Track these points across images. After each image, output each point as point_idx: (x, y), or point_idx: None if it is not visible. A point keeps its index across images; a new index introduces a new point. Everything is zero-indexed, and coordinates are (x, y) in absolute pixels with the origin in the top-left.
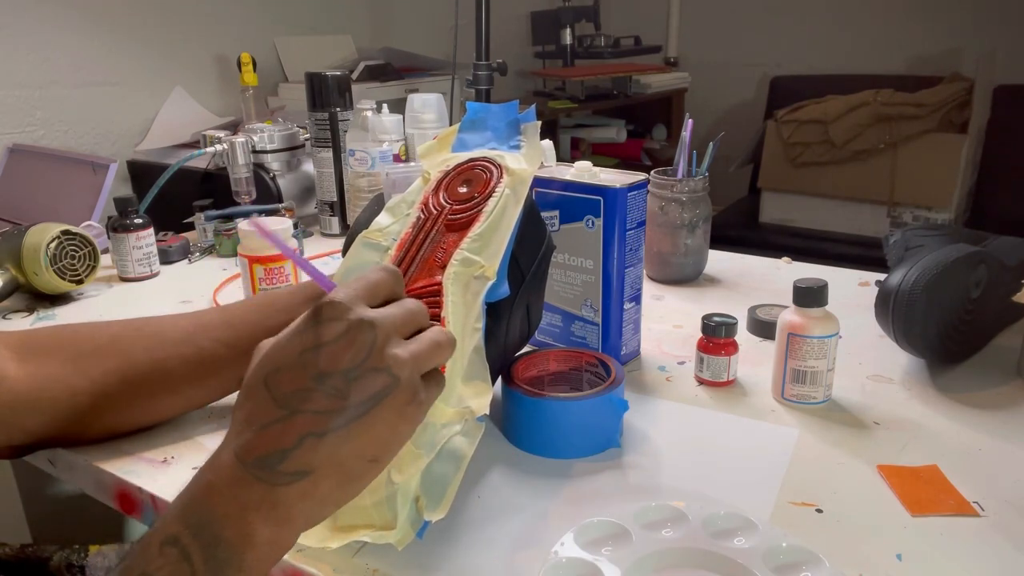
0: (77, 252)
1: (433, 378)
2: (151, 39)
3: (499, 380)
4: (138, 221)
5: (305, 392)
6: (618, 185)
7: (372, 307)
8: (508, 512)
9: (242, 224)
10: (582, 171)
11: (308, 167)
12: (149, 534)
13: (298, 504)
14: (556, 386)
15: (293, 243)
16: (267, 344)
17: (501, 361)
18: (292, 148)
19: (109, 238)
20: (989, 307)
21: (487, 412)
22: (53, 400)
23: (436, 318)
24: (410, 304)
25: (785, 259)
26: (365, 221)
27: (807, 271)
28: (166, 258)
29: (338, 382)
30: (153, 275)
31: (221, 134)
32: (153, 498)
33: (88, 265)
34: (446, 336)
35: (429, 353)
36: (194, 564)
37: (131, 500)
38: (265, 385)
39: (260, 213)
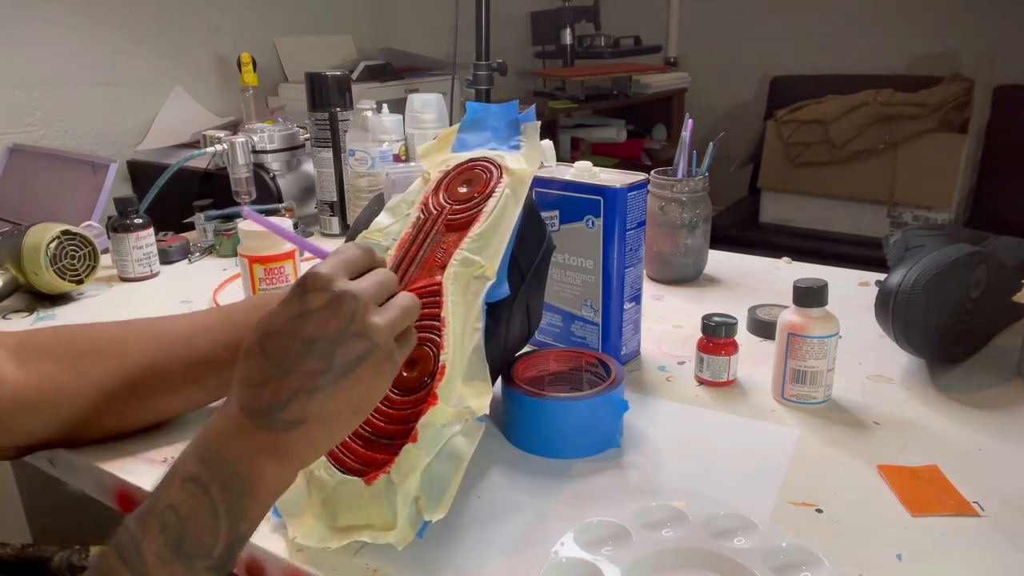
0: (77, 252)
1: (405, 338)
2: (151, 39)
3: (499, 380)
4: (138, 221)
5: (295, 355)
6: (618, 185)
7: (350, 279)
8: (508, 512)
9: (242, 224)
10: (582, 171)
11: (308, 167)
12: (169, 475)
13: (296, 446)
14: (556, 386)
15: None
16: (264, 314)
17: (501, 361)
18: (292, 148)
19: (109, 238)
20: (989, 307)
21: (487, 412)
22: (52, 401)
23: (436, 318)
24: (382, 275)
25: (785, 259)
26: (365, 221)
27: (807, 271)
28: (166, 258)
29: (324, 346)
30: (153, 275)
31: (221, 134)
32: None
33: (88, 265)
34: (413, 301)
35: (401, 318)
36: (213, 496)
37: (131, 500)
38: (261, 348)
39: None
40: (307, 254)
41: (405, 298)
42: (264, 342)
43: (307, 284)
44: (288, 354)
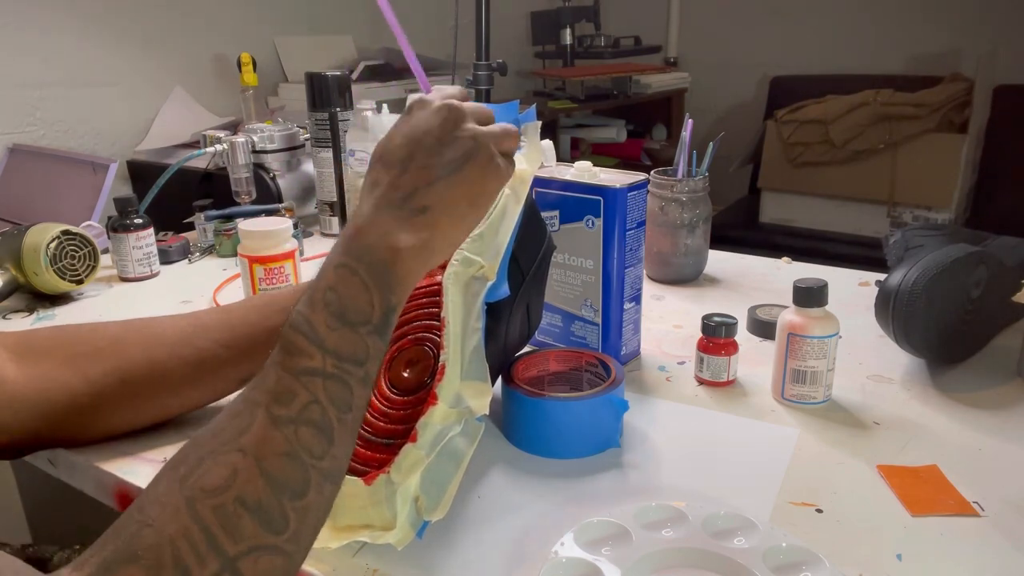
0: (77, 252)
1: (508, 159)
2: (151, 39)
3: (499, 380)
4: (138, 221)
5: (411, 155)
6: (618, 185)
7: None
8: (508, 512)
9: (242, 224)
10: (582, 171)
11: (308, 167)
12: (323, 266)
13: (426, 228)
14: (556, 386)
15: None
16: (385, 135)
17: (501, 361)
18: (292, 148)
19: (109, 238)
20: (989, 307)
21: (487, 412)
22: (52, 401)
23: (436, 318)
24: (482, 106)
25: (785, 259)
26: None
27: (807, 271)
28: (166, 258)
29: (433, 145)
30: (153, 275)
31: (221, 134)
32: None
33: (88, 265)
34: (512, 127)
35: (500, 134)
36: (361, 275)
37: (131, 500)
38: (380, 159)
39: (261, 213)
40: (308, 253)
41: (504, 123)
42: (383, 155)
43: (414, 104)
44: (404, 157)
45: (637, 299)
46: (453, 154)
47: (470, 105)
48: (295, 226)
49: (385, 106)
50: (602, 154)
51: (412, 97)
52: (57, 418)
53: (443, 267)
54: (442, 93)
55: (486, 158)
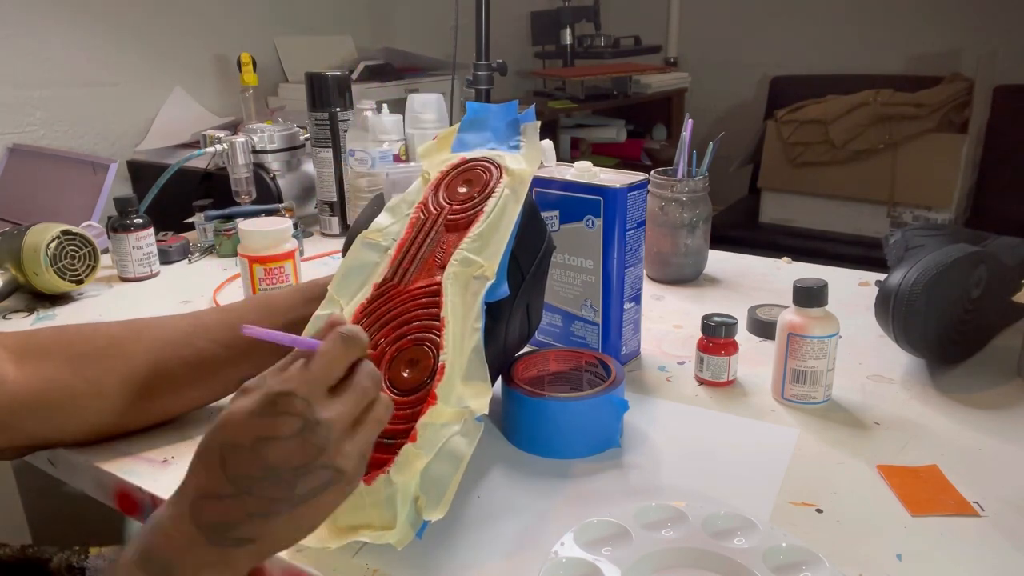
0: (77, 252)
1: (370, 448)
2: (151, 39)
3: (499, 380)
4: (138, 221)
5: (255, 479)
6: (618, 185)
7: (332, 387)
8: (508, 512)
9: (242, 223)
10: (582, 171)
11: (308, 167)
12: (112, 569)
13: (244, 560)
14: (556, 386)
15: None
16: (229, 416)
17: (501, 361)
18: (292, 148)
19: (109, 238)
20: (989, 307)
21: (486, 412)
22: (52, 402)
23: (436, 318)
24: (365, 382)
25: (785, 259)
26: (365, 221)
27: (807, 271)
28: (166, 258)
29: (287, 476)
30: (153, 275)
31: (221, 134)
32: (153, 498)
33: (88, 265)
34: (387, 409)
35: (372, 436)
36: None
37: (131, 500)
38: (220, 460)
39: (261, 213)
40: (308, 253)
41: (381, 407)
42: (224, 455)
43: (279, 405)
44: (248, 476)
45: (637, 299)
46: (308, 486)
47: (348, 408)
48: (295, 226)
49: (385, 106)
50: (602, 154)
51: (271, 388)
52: (57, 419)
53: (443, 267)
54: (319, 378)
55: (346, 483)
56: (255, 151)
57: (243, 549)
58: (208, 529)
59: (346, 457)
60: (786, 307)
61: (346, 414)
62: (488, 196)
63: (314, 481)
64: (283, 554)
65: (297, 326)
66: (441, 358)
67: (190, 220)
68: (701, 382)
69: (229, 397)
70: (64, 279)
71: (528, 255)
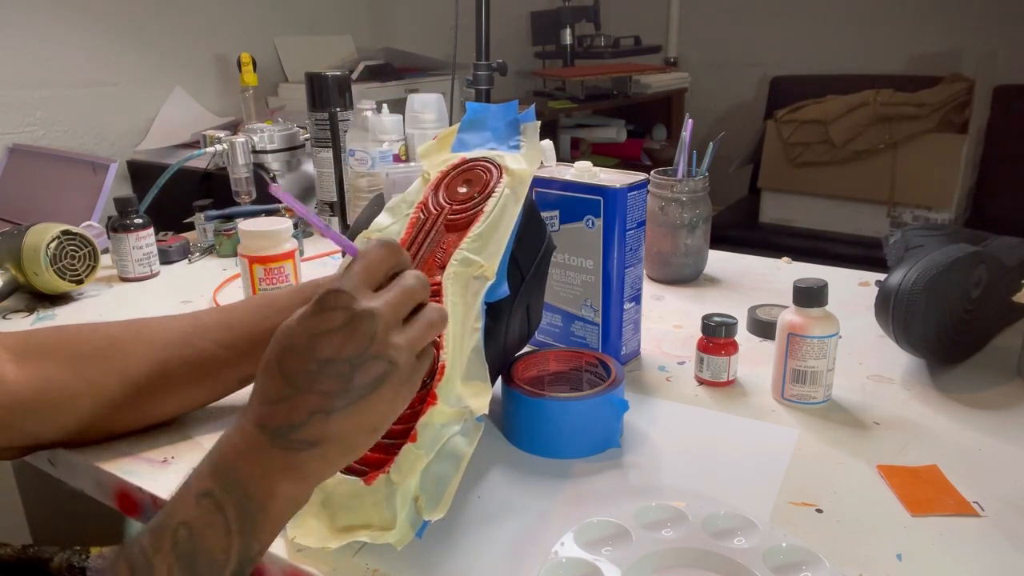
0: (77, 252)
1: (426, 353)
2: (151, 39)
3: (499, 380)
4: (138, 221)
5: (311, 374)
6: (618, 185)
7: (374, 288)
8: (508, 512)
9: (243, 224)
10: (582, 171)
11: (308, 167)
12: (183, 489)
13: (310, 465)
14: (556, 386)
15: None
16: (284, 326)
17: (501, 361)
18: (292, 148)
19: (109, 238)
20: (989, 307)
21: (486, 412)
22: (52, 402)
23: None
24: (409, 282)
25: (785, 259)
26: (365, 221)
27: (807, 271)
28: (166, 258)
29: (342, 367)
30: (153, 275)
31: (221, 134)
32: (153, 498)
33: (88, 265)
34: (439, 314)
35: (424, 334)
36: (227, 514)
37: (131, 500)
38: (278, 363)
39: (261, 213)
40: (308, 253)
41: (432, 311)
42: (282, 358)
43: (326, 302)
44: (305, 373)
45: (637, 299)
46: (363, 378)
47: (392, 299)
48: (295, 226)
49: (385, 106)
50: (602, 154)
51: (323, 289)
52: (57, 419)
53: (443, 266)
54: (362, 275)
55: (402, 379)
56: (255, 151)
57: (310, 452)
58: (274, 434)
59: (396, 349)
60: (786, 307)
61: (392, 305)
62: (488, 196)
63: (368, 373)
64: (283, 554)
65: None
66: (441, 358)
67: (190, 220)
68: (701, 382)
69: (229, 397)
70: (64, 279)
71: (528, 255)
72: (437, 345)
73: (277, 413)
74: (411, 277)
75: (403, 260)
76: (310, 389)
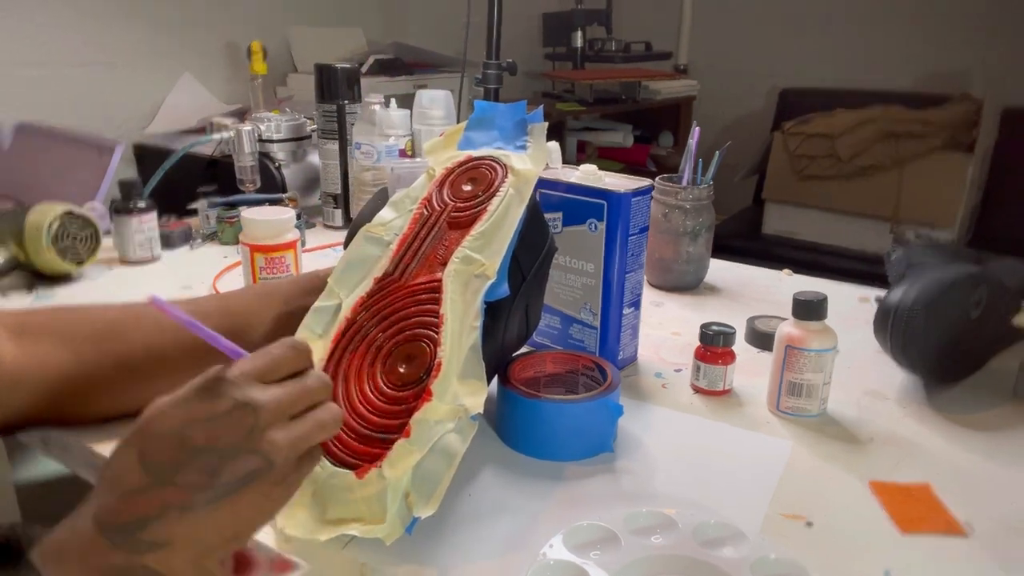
0: (79, 233)
1: (309, 456)
2: (161, 23)
3: (495, 380)
4: (141, 205)
5: (177, 464)
6: (622, 190)
7: (269, 382)
8: (498, 512)
9: (245, 212)
10: (587, 174)
11: (313, 158)
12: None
13: (147, 571)
14: (552, 388)
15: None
16: (153, 408)
17: (498, 360)
18: (298, 139)
19: (112, 220)
20: (988, 328)
21: (481, 411)
22: (47, 380)
23: (435, 315)
24: (310, 381)
25: (786, 271)
26: (368, 215)
27: (808, 284)
28: (168, 243)
29: (212, 459)
30: (154, 259)
31: (228, 121)
32: None
33: (89, 246)
34: (332, 416)
35: (310, 434)
36: None
37: None
38: (139, 452)
39: (264, 202)
40: (309, 244)
41: (325, 411)
42: (145, 443)
43: (208, 387)
44: (168, 463)
45: (636, 304)
46: (232, 474)
47: (283, 393)
48: (298, 216)
49: (393, 100)
50: (608, 158)
51: (207, 374)
52: (51, 398)
53: (444, 264)
54: (255, 367)
55: (275, 479)
56: (261, 140)
57: (152, 556)
58: (115, 531)
59: (275, 447)
60: (785, 319)
61: (281, 400)
62: (492, 195)
63: (238, 468)
64: (271, 543)
65: (295, 317)
66: (438, 355)
67: (193, 206)
68: (697, 390)
69: None
70: (65, 259)
71: (530, 256)
72: (435, 342)
73: (127, 506)
74: (314, 376)
75: (309, 363)
76: (171, 481)
